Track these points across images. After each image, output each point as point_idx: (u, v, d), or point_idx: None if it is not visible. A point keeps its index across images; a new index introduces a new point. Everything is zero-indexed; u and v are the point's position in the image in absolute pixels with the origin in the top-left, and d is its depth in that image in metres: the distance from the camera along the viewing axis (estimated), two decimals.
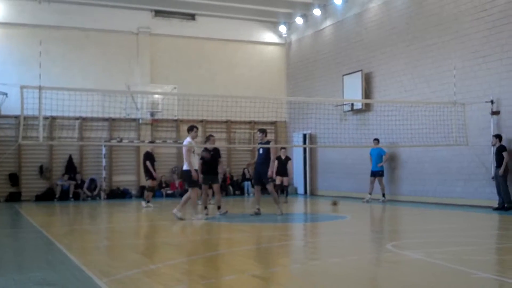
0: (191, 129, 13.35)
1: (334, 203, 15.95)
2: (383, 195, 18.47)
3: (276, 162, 15.58)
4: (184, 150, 13.28)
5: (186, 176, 13.48)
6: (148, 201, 17.32)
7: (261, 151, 14.15)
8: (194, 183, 13.12)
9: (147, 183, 17.85)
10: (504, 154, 14.36)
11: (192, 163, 13.03)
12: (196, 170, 13.12)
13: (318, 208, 18.07)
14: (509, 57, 14.95)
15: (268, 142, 14.25)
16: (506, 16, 15.03)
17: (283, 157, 18.62)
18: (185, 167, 13.21)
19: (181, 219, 12.88)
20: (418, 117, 16.34)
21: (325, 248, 9.34)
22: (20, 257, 8.36)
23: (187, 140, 13.24)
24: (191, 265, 7.52)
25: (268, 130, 24.10)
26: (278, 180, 17.83)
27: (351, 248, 8.95)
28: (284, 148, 19.25)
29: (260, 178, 14.01)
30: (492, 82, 15.40)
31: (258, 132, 14.30)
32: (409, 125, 16.14)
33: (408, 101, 17.51)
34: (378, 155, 18.67)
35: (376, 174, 18.69)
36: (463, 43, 16.32)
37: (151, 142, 21.19)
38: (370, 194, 18.52)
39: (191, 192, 13.15)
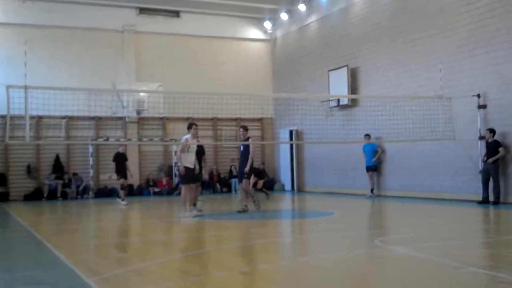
0: (190, 126, 13.36)
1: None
2: (372, 190, 18.56)
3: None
4: (180, 147, 13.34)
5: (179, 173, 13.51)
6: (122, 199, 17.37)
7: (241, 148, 14.16)
8: (186, 180, 13.13)
9: (120, 181, 17.85)
10: (500, 149, 14.41)
11: (185, 159, 13.03)
12: (191, 168, 13.09)
13: (306, 205, 18.14)
14: (495, 51, 15.04)
15: (248, 139, 14.16)
16: (492, 9, 15.12)
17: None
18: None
19: (196, 215, 12.89)
20: (405, 112, 16.43)
21: (313, 244, 9.38)
22: (8, 256, 8.32)
23: (185, 137, 13.25)
24: (180, 263, 7.54)
25: (254, 127, 24.43)
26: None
27: (339, 244, 8.99)
28: None
29: (242, 175, 14.03)
30: (478, 76, 15.50)
31: (241, 129, 14.28)
32: (395, 120, 16.22)
33: (394, 96, 17.60)
34: (371, 150, 18.74)
35: (370, 169, 18.77)
36: (449, 37, 16.41)
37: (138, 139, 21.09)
38: (372, 188, 18.62)
39: (183, 189, 13.20)
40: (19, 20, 21.47)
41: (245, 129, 14.18)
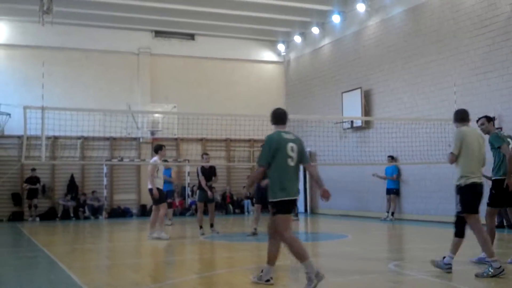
0: (160, 148, 13.50)
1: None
2: (392, 214, 18.30)
3: None
4: (148, 168, 13.48)
5: (151, 195, 13.54)
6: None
7: None
8: (159, 200, 13.25)
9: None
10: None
11: (154, 182, 13.14)
12: (157, 188, 13.20)
13: (319, 227, 18.03)
14: (509, 73, 14.99)
15: None
16: (506, 32, 15.11)
17: None
18: (149, 186, 13.35)
19: (159, 238, 12.97)
20: (419, 134, 16.36)
21: (326, 267, 9.29)
22: (22, 276, 8.35)
23: (154, 159, 13.42)
24: (191, 284, 7.51)
25: None
26: None
27: (352, 267, 8.92)
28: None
29: (263, 196, 13.85)
30: (493, 99, 15.44)
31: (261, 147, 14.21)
32: (409, 142, 16.16)
33: (408, 118, 17.55)
34: (392, 173, 18.57)
35: (390, 192, 18.55)
36: (462, 60, 16.39)
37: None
38: (388, 212, 18.40)
39: (157, 210, 13.28)
40: (37, 43, 21.81)
41: None
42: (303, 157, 7.02)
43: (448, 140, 15.25)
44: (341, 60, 21.87)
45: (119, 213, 22.20)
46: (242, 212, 23.60)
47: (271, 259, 7.07)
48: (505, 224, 14.32)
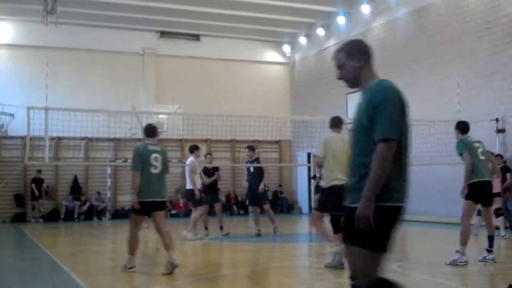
0: (196, 148, 13.42)
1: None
2: None
3: None
4: (187, 169, 13.32)
5: (190, 196, 13.52)
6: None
7: (252, 170, 13.82)
8: (198, 202, 13.17)
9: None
10: (508, 175, 14.28)
11: (195, 182, 13.07)
12: (199, 190, 13.14)
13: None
14: None
15: (257, 160, 14.05)
16: (509, 34, 15.08)
17: (317, 175, 18.53)
18: (188, 186, 13.27)
19: (197, 239, 12.87)
20: (423, 136, 16.29)
21: (330, 268, 9.29)
22: (25, 278, 8.36)
23: (190, 159, 13.29)
24: (195, 286, 7.51)
25: (272, 149, 24.44)
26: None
27: None
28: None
29: (255, 198, 13.81)
30: (496, 100, 15.40)
31: (247, 150, 14.09)
32: (413, 143, 15.99)
33: (412, 119, 17.45)
34: None
35: None
36: (466, 62, 16.36)
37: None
38: None
39: (196, 211, 13.23)
40: (41, 43, 21.85)
41: (253, 149, 14.00)
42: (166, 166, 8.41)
43: (452, 141, 15.23)
44: None
45: (122, 214, 22.19)
46: (246, 213, 23.57)
47: (132, 249, 8.47)
48: (506, 225, 14.28)
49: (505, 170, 14.39)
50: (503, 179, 14.30)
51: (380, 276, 3.67)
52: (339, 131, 8.80)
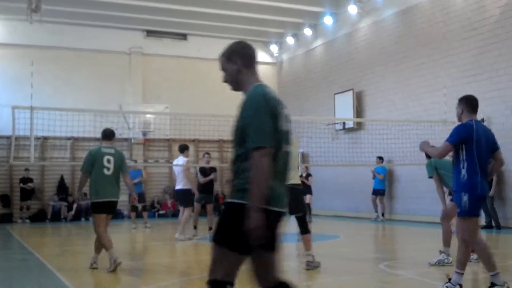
0: (187, 148, 13.40)
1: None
2: (382, 214, 18.40)
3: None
4: (180, 169, 13.26)
5: (179, 196, 13.46)
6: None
7: None
8: (187, 203, 13.13)
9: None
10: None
11: (193, 182, 13.10)
12: (187, 190, 13.12)
13: (311, 228, 17.99)
14: (498, 76, 15.09)
15: None
16: (495, 35, 15.20)
17: (304, 174, 18.61)
18: (179, 186, 13.21)
19: (185, 239, 12.83)
20: (410, 136, 16.39)
21: (318, 268, 9.30)
22: (11, 279, 8.28)
23: (184, 159, 13.23)
24: (183, 287, 7.48)
25: None
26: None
27: (344, 268, 8.92)
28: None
29: None
30: (482, 101, 15.31)
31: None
32: (401, 144, 16.19)
33: (399, 120, 17.60)
34: (381, 174, 18.61)
35: (378, 192, 18.60)
36: (452, 62, 16.47)
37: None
38: (376, 212, 18.47)
39: (185, 211, 13.17)
40: (25, 41, 21.62)
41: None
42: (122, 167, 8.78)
43: (439, 142, 15.31)
44: (334, 62, 21.89)
45: None
46: None
47: (99, 248, 8.83)
48: (493, 224, 14.42)
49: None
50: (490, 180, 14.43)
51: (278, 278, 3.87)
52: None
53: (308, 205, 19.01)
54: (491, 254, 6.22)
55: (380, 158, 18.07)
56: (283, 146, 3.71)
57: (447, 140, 6.40)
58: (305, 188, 18.81)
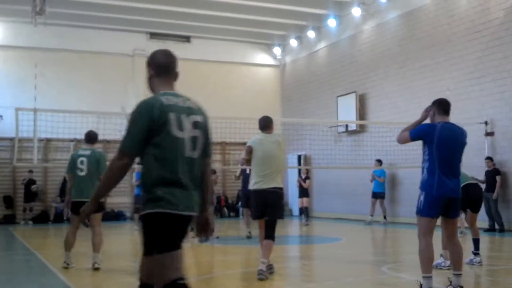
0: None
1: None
2: (384, 217, 18.30)
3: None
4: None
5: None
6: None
7: (248, 171, 13.79)
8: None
9: None
10: (497, 178, 14.39)
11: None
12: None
13: (314, 230, 18.01)
14: (502, 78, 15.06)
15: None
16: (499, 37, 15.17)
17: (303, 177, 18.57)
18: None
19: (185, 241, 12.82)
20: None
21: (320, 270, 9.29)
22: (13, 280, 8.28)
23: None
24: None
25: None
26: (298, 202, 17.79)
27: (346, 270, 8.90)
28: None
29: (249, 200, 13.67)
30: (485, 103, 15.48)
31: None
32: (403, 146, 16.13)
33: (402, 122, 17.49)
34: (380, 177, 18.54)
35: (378, 195, 18.51)
36: (456, 65, 16.44)
37: None
38: (371, 216, 18.33)
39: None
40: (30, 44, 21.69)
41: None
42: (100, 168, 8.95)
43: None
44: (337, 64, 21.89)
45: (112, 216, 22.10)
46: (237, 215, 23.55)
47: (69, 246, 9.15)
48: (496, 227, 14.38)
49: (494, 173, 14.50)
50: (493, 182, 14.41)
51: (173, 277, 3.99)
52: (269, 132, 8.75)
53: (306, 208, 19.00)
54: (430, 259, 6.51)
55: (379, 161, 18.03)
56: (168, 154, 3.83)
57: (409, 130, 6.60)
58: (302, 191, 18.86)
